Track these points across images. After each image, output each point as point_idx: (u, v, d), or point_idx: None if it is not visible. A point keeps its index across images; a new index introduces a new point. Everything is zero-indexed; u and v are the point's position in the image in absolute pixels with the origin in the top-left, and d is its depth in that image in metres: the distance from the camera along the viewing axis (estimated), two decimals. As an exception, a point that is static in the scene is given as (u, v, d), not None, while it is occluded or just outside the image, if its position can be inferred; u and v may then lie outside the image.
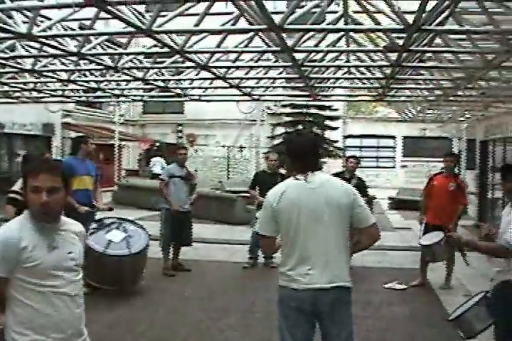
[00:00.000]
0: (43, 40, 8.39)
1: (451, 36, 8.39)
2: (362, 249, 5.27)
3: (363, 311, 9.20)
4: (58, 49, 8.87)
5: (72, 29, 9.48)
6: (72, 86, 13.79)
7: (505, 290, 5.70)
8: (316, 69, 11.22)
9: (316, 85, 12.91)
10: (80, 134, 20.79)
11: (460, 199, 11.08)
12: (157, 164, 34.46)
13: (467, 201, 11.59)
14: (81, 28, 10.35)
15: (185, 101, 16.93)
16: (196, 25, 7.75)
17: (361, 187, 11.99)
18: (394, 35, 7.96)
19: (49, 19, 8.30)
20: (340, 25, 8.20)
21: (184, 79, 13.11)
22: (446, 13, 6.94)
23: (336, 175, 11.78)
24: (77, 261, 3.84)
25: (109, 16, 6.98)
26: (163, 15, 7.39)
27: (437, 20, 7.03)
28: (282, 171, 13.59)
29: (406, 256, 14.28)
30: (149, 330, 8.42)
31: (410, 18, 6.85)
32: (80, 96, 16.28)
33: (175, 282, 11.40)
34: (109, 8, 6.40)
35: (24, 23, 7.90)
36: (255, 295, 10.46)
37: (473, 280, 10.90)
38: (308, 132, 13.97)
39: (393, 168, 45.00)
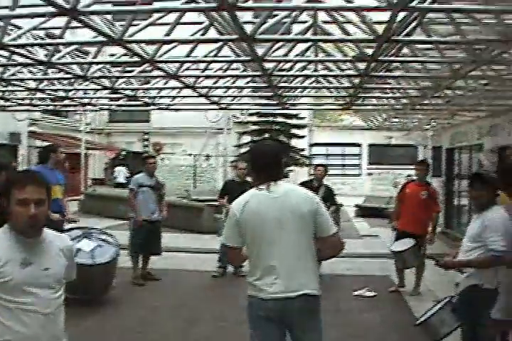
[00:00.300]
0: (13, 49, 8.38)
1: (419, 46, 8.51)
2: (326, 258, 5.25)
3: (333, 319, 9.23)
4: (28, 58, 8.87)
5: (41, 38, 9.47)
6: (39, 94, 13.73)
7: (471, 294, 5.87)
8: (285, 78, 11.31)
9: (284, 94, 12.99)
10: (47, 143, 20.65)
11: (432, 207, 11.21)
12: (120, 173, 34.50)
13: (439, 208, 11.75)
14: (48, 36, 10.32)
15: (154, 110, 16.94)
16: (167, 34, 7.80)
17: (330, 195, 12.13)
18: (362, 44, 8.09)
19: (19, 28, 8.30)
20: (310, 35, 8.30)
21: (153, 89, 13.14)
22: (414, 24, 7.06)
23: (305, 183, 11.90)
24: (56, 277, 3.69)
25: (79, 25, 6.99)
26: (134, 25, 7.41)
27: (406, 31, 7.15)
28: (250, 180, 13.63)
29: (374, 263, 14.40)
30: (120, 340, 8.40)
31: (379, 28, 6.98)
32: (47, 105, 16.22)
33: (145, 291, 11.36)
34: (82, 17, 6.41)
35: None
36: (225, 303, 10.46)
37: (442, 287, 10.99)
38: (273, 140, 14.12)
39: (359, 175, 45.35)
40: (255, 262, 4.86)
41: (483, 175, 6.33)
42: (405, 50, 8.67)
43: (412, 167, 12.43)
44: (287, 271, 4.74)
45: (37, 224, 3.58)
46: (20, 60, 9.61)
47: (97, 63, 10.30)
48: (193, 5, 6.64)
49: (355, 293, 11.31)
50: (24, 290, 3.52)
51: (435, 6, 6.29)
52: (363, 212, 27.85)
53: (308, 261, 4.85)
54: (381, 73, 9.94)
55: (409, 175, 29.72)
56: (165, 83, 12.21)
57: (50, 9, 6.19)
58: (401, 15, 6.41)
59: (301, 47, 9.51)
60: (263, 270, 4.79)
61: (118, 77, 11.45)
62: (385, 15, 6.48)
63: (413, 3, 5.75)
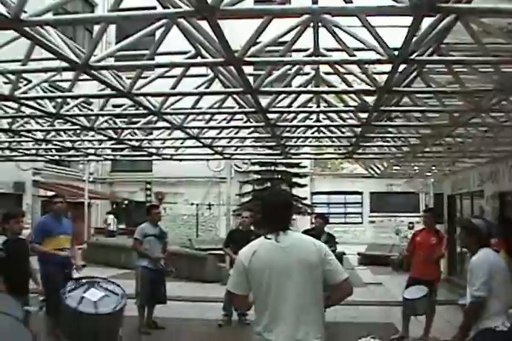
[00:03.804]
0: (23, 101, 8.57)
1: (419, 95, 8.69)
2: (334, 304, 5.27)
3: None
4: (37, 109, 9.05)
5: (50, 91, 9.66)
6: (45, 145, 13.84)
7: (486, 338, 5.88)
8: (287, 128, 11.45)
9: (287, 144, 13.12)
10: (50, 192, 20.84)
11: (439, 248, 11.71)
12: (111, 222, 34.93)
13: (443, 247, 12.16)
14: (53, 86, 10.49)
15: (158, 160, 17.07)
16: (173, 87, 7.99)
17: (330, 241, 12.17)
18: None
19: (29, 81, 8.51)
20: (313, 86, 8.50)
21: (157, 139, 13.29)
22: (414, 74, 7.24)
23: (307, 231, 11.96)
24: None
25: (87, 78, 7.16)
26: (142, 77, 7.59)
27: (406, 81, 7.33)
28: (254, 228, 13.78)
29: (378, 311, 14.39)
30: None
31: (379, 78, 7.17)
32: (52, 155, 16.38)
33: (151, 340, 11.37)
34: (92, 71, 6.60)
35: (5, 84, 8.12)
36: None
37: (448, 333, 10.99)
38: (279, 189, 14.37)
39: (361, 223, 45.27)
40: (261, 310, 4.89)
41: (464, 222, 6.54)
42: (406, 99, 8.83)
43: (413, 214, 12.71)
44: (293, 321, 4.77)
45: None
46: (28, 111, 9.82)
47: (104, 115, 10.49)
48: (200, 60, 6.85)
49: (361, 340, 11.26)
50: None
51: (435, 58, 6.47)
52: (366, 259, 27.79)
53: (314, 309, 4.88)
54: (382, 122, 10.09)
55: (410, 223, 29.77)
56: (169, 134, 12.34)
57: (62, 64, 6.38)
58: (401, 66, 6.60)
59: (303, 97, 9.70)
60: (269, 319, 4.82)
61: (124, 128, 11.59)
62: (385, 66, 6.68)
63: (413, 56, 5.92)
